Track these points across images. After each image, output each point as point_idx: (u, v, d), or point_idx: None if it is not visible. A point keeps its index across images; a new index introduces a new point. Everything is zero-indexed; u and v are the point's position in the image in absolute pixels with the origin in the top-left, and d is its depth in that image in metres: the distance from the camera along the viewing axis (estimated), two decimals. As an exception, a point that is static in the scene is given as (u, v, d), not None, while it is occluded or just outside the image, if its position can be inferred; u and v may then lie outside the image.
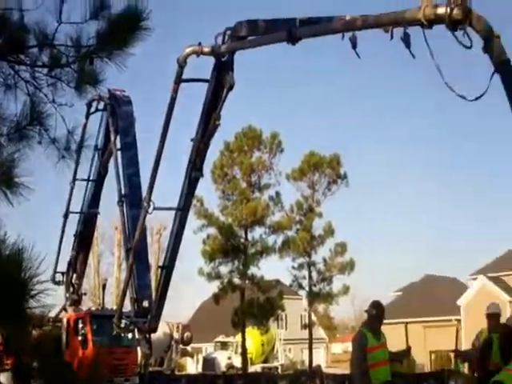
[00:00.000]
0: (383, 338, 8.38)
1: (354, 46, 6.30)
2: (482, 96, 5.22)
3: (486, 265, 49.23)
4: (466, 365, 8.61)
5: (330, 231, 33.36)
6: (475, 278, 47.10)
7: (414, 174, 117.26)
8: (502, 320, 8.40)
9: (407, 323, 8.82)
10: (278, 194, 32.37)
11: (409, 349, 8.47)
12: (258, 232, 31.55)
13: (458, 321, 42.78)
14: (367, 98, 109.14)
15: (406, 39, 5.70)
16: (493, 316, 8.35)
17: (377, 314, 8.31)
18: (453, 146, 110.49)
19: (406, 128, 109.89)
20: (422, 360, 38.05)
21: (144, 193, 12.84)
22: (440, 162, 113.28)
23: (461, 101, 5.47)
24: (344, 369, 36.83)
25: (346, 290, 33.64)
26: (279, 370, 37.99)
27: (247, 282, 30.59)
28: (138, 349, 17.21)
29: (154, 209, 12.05)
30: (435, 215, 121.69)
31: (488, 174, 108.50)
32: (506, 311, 39.73)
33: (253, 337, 35.48)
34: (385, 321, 8.39)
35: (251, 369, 35.25)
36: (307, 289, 33.34)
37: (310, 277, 33.25)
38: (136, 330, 15.06)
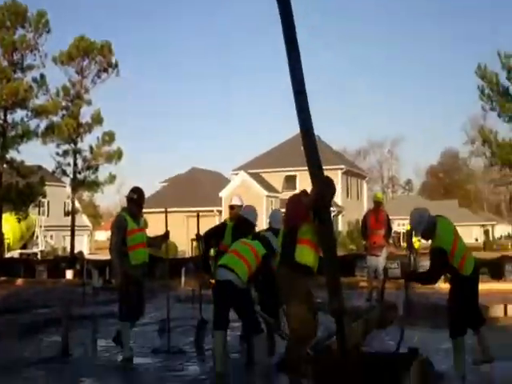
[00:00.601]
0: (143, 223, 8.51)
1: None
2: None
3: (246, 162, 51.94)
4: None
5: (98, 119, 32.61)
6: (237, 174, 49.58)
7: (188, 65, 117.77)
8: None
9: (167, 211, 8.95)
10: (42, 76, 30.56)
11: (167, 233, 8.67)
12: (19, 114, 29.75)
13: (220, 211, 45.05)
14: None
15: None
16: (233, 207, 9.03)
17: (137, 198, 8.37)
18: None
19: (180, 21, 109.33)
20: (184, 247, 39.79)
21: None
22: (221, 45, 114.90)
23: None
24: (106, 255, 37.29)
25: (112, 178, 33.52)
26: (39, 256, 37.38)
27: (5, 166, 29.04)
28: None
29: None
30: (206, 110, 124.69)
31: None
32: (263, 204, 42.64)
33: (10, 222, 34.23)
34: (150, 209, 8.52)
35: (8, 254, 34.34)
36: (71, 176, 32.71)
37: (75, 164, 32.62)
38: None
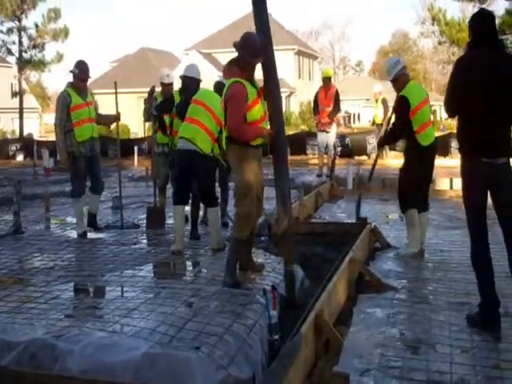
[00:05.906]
0: (91, 97, 8.26)
1: None
2: None
3: (198, 41, 50.63)
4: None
5: (41, -6, 31.28)
6: (187, 54, 48.43)
7: None
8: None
9: (117, 92, 8.70)
10: None
11: (118, 115, 8.50)
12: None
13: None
14: None
15: None
16: (163, 84, 8.96)
17: (79, 72, 8.09)
18: None
19: None
20: (137, 129, 39.48)
21: None
22: None
23: None
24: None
25: (59, 57, 32.55)
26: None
27: None
28: None
29: None
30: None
31: None
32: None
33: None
34: (101, 90, 8.30)
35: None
36: (17, 55, 31.66)
37: (21, 43, 31.52)
38: None
